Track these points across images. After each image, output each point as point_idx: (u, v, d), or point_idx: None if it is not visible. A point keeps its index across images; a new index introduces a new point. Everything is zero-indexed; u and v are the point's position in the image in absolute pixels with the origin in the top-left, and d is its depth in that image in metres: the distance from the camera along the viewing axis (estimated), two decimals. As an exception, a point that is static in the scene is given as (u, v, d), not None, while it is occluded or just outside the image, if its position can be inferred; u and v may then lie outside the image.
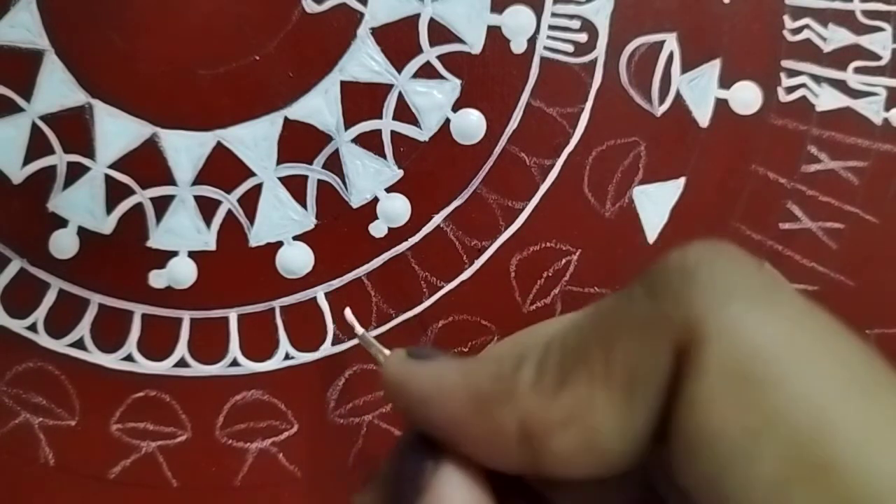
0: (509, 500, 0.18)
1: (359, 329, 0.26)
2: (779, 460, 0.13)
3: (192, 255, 0.27)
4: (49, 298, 0.27)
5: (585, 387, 0.16)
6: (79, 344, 0.27)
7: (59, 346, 0.27)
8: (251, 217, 0.27)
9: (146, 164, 0.26)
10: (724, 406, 0.14)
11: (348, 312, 0.26)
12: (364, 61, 0.27)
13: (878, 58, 0.27)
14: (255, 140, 0.27)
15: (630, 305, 0.16)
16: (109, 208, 0.27)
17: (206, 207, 0.27)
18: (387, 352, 0.22)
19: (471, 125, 0.27)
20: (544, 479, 0.17)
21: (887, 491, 0.13)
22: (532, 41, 0.27)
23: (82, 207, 0.26)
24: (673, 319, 0.15)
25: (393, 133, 0.27)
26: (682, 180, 0.27)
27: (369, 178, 0.27)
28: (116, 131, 0.26)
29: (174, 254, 0.27)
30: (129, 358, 0.27)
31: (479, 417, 0.17)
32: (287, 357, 0.27)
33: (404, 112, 0.27)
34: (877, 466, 0.13)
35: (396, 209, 0.27)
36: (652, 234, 0.28)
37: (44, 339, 0.27)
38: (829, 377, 0.14)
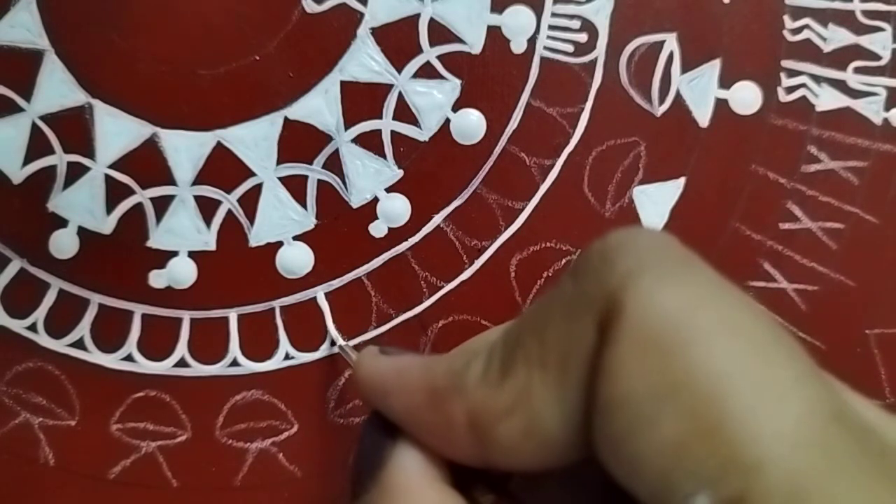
0: (474, 488, 0.19)
1: (340, 341, 0.27)
2: (677, 422, 0.14)
3: (192, 255, 0.27)
4: (49, 298, 0.27)
5: (524, 373, 0.17)
6: (79, 344, 0.27)
7: (59, 346, 0.27)
8: (251, 217, 0.27)
9: (146, 164, 0.26)
10: (631, 371, 0.15)
11: (331, 325, 0.27)
12: (364, 61, 0.27)
13: (878, 58, 0.27)
14: (255, 140, 0.27)
15: (559, 292, 0.17)
16: (109, 208, 0.27)
17: (206, 207, 0.27)
18: None
19: (471, 125, 0.27)
20: (499, 471, 0.18)
21: (767, 451, 0.13)
22: (532, 41, 0.27)
23: (82, 207, 0.26)
24: (594, 296, 0.16)
25: (393, 133, 0.27)
26: (682, 180, 0.27)
27: (369, 178, 0.27)
28: (116, 131, 0.26)
29: (174, 254, 0.27)
30: (129, 358, 0.27)
31: (432, 410, 0.18)
32: (287, 357, 0.27)
33: (404, 112, 0.27)
34: (763, 428, 0.14)
35: (396, 209, 0.27)
36: (652, 234, 0.28)
37: (44, 339, 0.27)
38: (728, 345, 0.14)
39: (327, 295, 0.27)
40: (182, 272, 0.27)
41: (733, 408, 0.14)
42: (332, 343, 0.27)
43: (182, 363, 0.27)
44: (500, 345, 0.18)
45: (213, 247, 0.27)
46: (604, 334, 0.15)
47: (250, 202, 0.27)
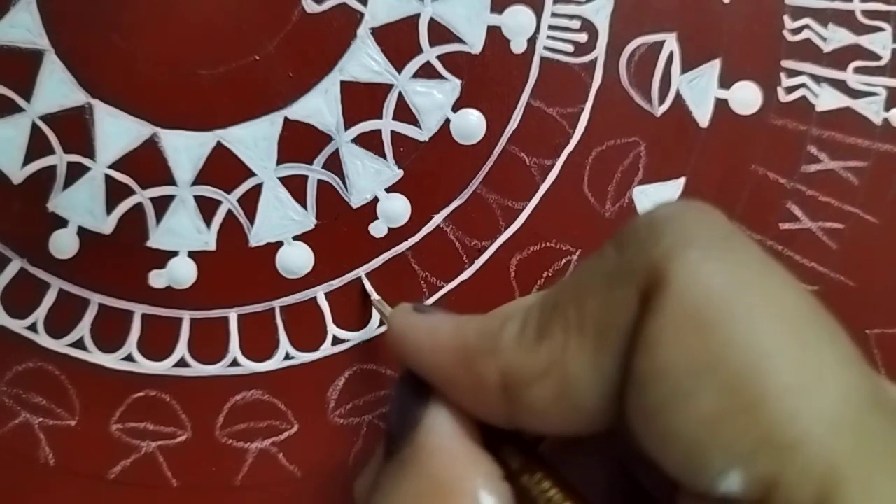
0: (503, 449, 0.19)
1: (375, 296, 0.27)
2: (715, 397, 0.14)
3: (192, 255, 0.27)
4: (49, 298, 0.27)
5: (560, 338, 0.17)
6: (79, 344, 0.27)
7: (59, 346, 0.27)
8: (251, 217, 0.27)
9: (146, 164, 0.26)
10: (671, 344, 0.15)
11: (366, 281, 0.27)
12: (364, 61, 0.27)
13: (878, 58, 0.27)
14: (255, 140, 0.27)
15: (601, 260, 0.17)
16: (109, 208, 0.27)
17: (206, 207, 0.27)
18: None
19: (471, 125, 0.27)
20: (527, 433, 0.18)
21: (804, 431, 0.13)
22: (532, 41, 0.27)
23: (82, 207, 0.26)
24: (638, 266, 0.16)
25: (393, 133, 0.27)
26: (682, 180, 0.27)
27: (369, 178, 0.27)
28: (116, 131, 0.26)
29: (174, 254, 0.27)
30: (129, 358, 0.27)
31: (464, 368, 0.18)
32: (287, 357, 0.27)
33: (404, 112, 0.27)
34: (801, 409, 0.14)
35: (396, 209, 0.27)
36: (652, 234, 0.28)
37: (44, 339, 0.27)
38: (771, 324, 0.15)
39: (327, 295, 0.27)
40: (182, 272, 0.27)
41: (772, 387, 0.14)
42: (336, 339, 0.27)
43: (182, 363, 0.27)
44: (537, 309, 0.18)
45: (213, 247, 0.27)
46: (646, 305, 0.15)
47: (250, 202, 0.27)
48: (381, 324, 0.27)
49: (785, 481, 0.13)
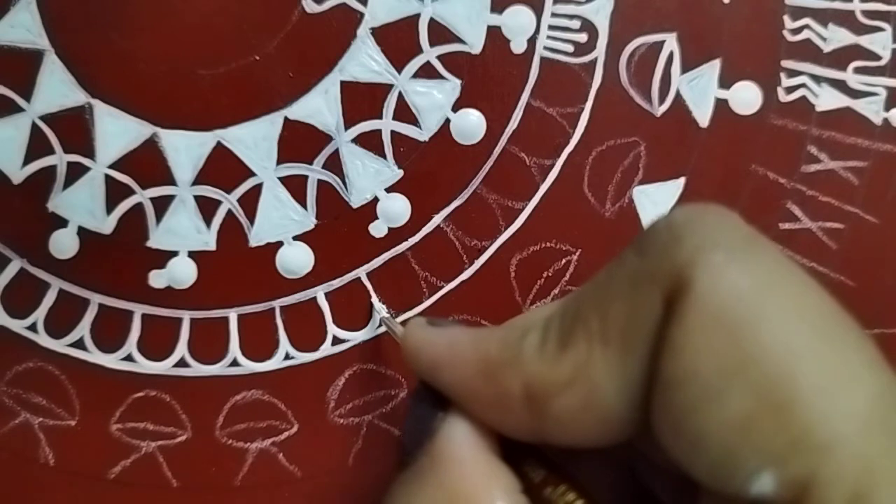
0: (524, 462, 0.19)
1: (384, 313, 0.27)
2: (745, 399, 0.14)
3: (192, 255, 0.27)
4: (49, 298, 0.27)
5: (584, 347, 0.16)
6: (79, 344, 0.27)
7: (59, 346, 0.27)
8: (251, 217, 0.27)
9: (146, 164, 0.26)
10: (699, 347, 0.15)
11: (374, 299, 0.27)
12: (364, 61, 0.27)
13: (878, 58, 0.27)
14: (255, 140, 0.27)
15: (622, 267, 0.17)
16: (109, 208, 0.27)
17: (206, 207, 0.27)
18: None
19: (471, 125, 0.27)
20: (551, 445, 0.18)
21: (837, 432, 0.13)
22: (532, 41, 0.27)
23: (82, 207, 0.26)
24: (661, 270, 0.16)
25: (393, 133, 0.27)
26: (681, 180, 0.27)
27: (369, 178, 0.27)
28: (116, 131, 0.26)
29: (174, 254, 0.27)
30: (129, 358, 0.27)
31: (486, 381, 0.18)
32: (287, 357, 0.27)
33: (404, 112, 0.27)
34: (832, 410, 0.14)
35: (396, 209, 0.27)
36: (652, 234, 0.28)
37: (44, 339, 0.27)
38: (799, 325, 0.15)
39: (327, 295, 0.27)
40: (182, 272, 0.27)
41: (804, 387, 0.14)
42: (379, 324, 0.27)
43: (182, 363, 0.27)
44: (558, 318, 0.17)
45: (213, 247, 0.27)
46: (671, 309, 0.15)
47: (250, 202, 0.27)
48: (381, 324, 0.27)
49: (819, 482, 0.13)
